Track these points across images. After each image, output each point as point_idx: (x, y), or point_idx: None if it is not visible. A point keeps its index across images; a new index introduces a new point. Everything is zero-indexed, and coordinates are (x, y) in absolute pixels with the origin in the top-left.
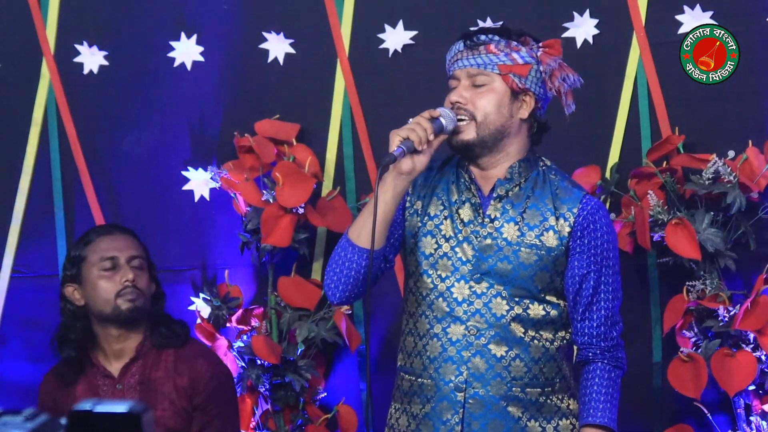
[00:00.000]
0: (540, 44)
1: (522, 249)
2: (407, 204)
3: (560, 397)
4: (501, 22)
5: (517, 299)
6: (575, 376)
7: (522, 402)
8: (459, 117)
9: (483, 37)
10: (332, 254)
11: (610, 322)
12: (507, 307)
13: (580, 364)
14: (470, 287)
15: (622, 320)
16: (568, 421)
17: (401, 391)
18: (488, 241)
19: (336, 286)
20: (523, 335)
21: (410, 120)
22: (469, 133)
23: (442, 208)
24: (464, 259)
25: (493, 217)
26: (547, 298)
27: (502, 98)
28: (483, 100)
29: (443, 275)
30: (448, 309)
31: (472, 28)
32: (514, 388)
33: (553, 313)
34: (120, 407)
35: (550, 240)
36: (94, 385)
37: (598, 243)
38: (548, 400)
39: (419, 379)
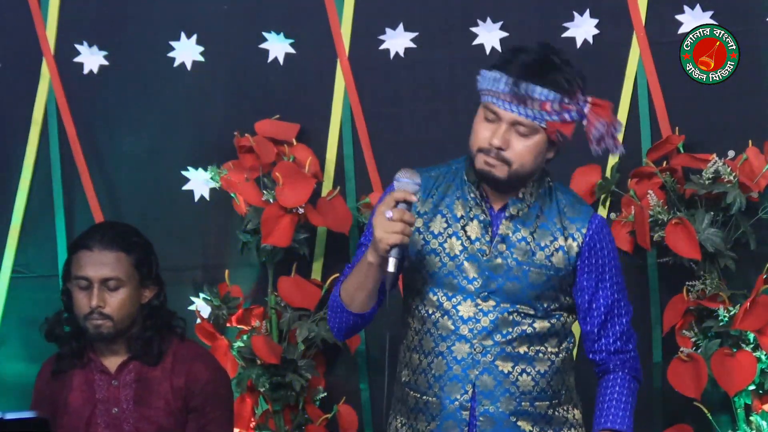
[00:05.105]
0: (589, 100)
1: (532, 270)
2: None
3: (566, 408)
4: (501, 22)
5: (522, 316)
6: (579, 387)
7: (531, 416)
8: (489, 162)
9: (537, 93)
10: (329, 299)
11: (625, 338)
12: (513, 325)
13: (600, 374)
14: (476, 305)
15: (635, 333)
16: (575, 431)
17: (407, 407)
18: (498, 260)
19: (338, 330)
20: (527, 350)
21: (385, 211)
22: (500, 172)
23: (446, 225)
24: (470, 277)
25: (504, 235)
26: (553, 313)
27: (541, 148)
28: (523, 148)
29: (449, 294)
30: (453, 327)
31: (519, 63)
32: (523, 403)
33: (558, 325)
34: (28, 414)
35: (559, 261)
36: (90, 379)
37: (605, 261)
38: (555, 412)
39: (424, 397)
